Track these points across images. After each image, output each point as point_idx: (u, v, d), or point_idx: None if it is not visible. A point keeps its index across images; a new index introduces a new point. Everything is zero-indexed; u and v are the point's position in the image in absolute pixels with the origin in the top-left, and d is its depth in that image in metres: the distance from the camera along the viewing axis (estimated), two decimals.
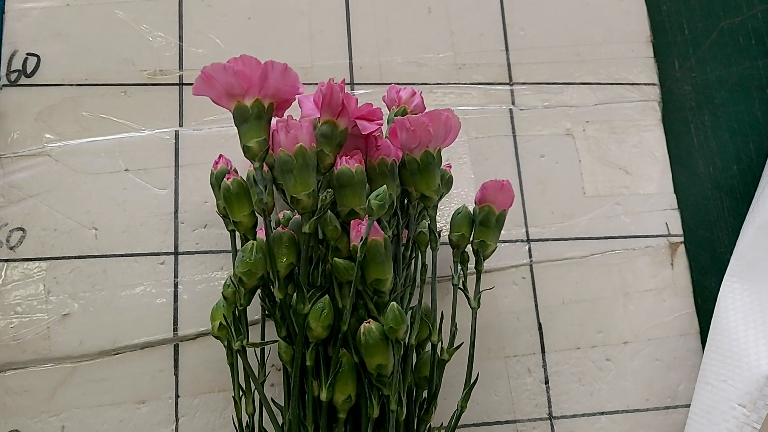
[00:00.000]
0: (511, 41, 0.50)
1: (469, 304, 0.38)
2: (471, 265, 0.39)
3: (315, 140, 0.34)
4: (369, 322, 0.34)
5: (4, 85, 0.44)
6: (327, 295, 0.34)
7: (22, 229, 0.42)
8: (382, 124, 0.36)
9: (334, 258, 0.34)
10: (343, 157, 0.35)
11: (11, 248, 0.41)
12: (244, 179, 0.36)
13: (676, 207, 0.49)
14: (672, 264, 0.48)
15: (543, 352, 0.45)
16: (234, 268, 0.35)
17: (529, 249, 0.46)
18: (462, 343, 0.37)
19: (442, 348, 0.37)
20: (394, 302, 0.34)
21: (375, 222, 0.34)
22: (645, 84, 0.52)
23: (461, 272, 0.38)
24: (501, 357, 0.44)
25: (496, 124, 0.48)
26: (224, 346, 0.37)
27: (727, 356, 0.38)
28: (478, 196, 0.38)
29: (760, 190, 0.46)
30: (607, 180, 0.49)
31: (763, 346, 0.36)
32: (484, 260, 0.38)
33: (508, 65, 0.50)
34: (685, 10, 0.54)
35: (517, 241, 0.46)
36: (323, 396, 0.34)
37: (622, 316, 0.46)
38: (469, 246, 0.39)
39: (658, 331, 0.46)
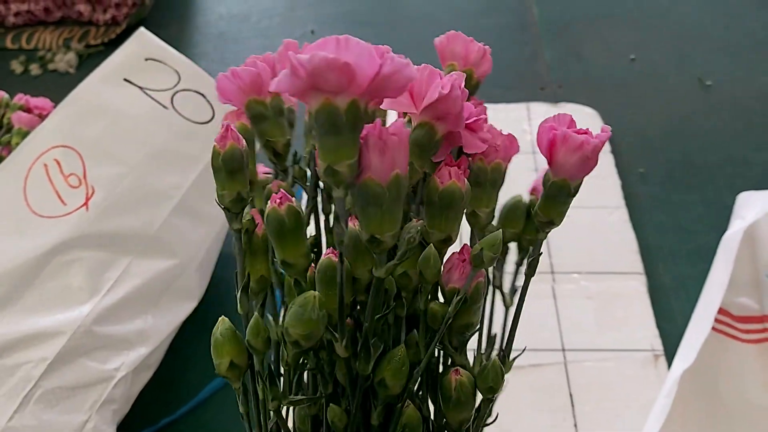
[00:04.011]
0: None
1: (504, 302, 0.33)
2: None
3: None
4: (459, 374, 0.28)
5: None
6: (402, 346, 0.28)
7: None
8: (488, 143, 0.28)
9: (431, 305, 0.28)
10: (448, 168, 0.27)
11: None
12: (298, 206, 0.27)
13: None
14: None
15: None
16: (282, 321, 0.27)
17: None
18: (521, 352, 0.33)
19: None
20: (496, 357, 0.29)
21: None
22: None
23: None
24: None
25: None
26: (235, 389, 0.30)
27: None
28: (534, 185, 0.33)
29: None
30: None
31: None
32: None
33: None
34: None
35: None
36: None
37: None
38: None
39: None
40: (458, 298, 0.27)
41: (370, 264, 0.27)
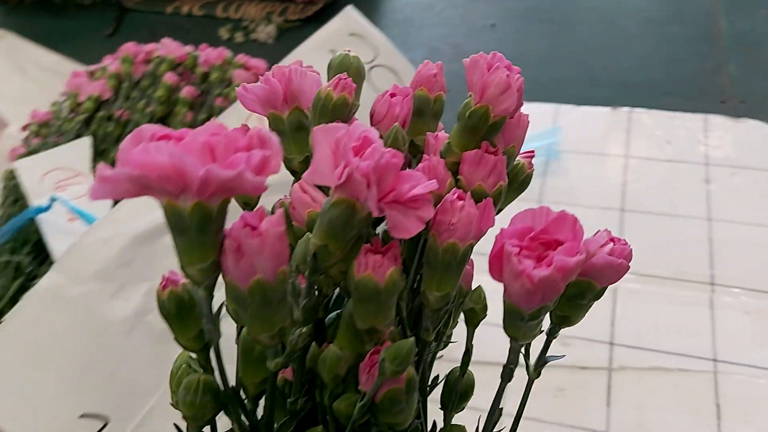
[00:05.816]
0: None
1: (527, 371, 0.28)
2: None
3: (287, 260, 0.22)
4: None
5: None
6: (320, 426, 0.27)
7: None
8: (425, 221, 0.22)
9: (335, 404, 0.26)
10: (366, 256, 0.23)
11: None
12: (186, 291, 0.26)
13: None
14: None
15: None
16: (179, 399, 0.26)
17: None
18: (503, 428, 0.30)
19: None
20: None
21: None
22: None
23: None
24: None
25: None
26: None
27: None
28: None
29: None
30: None
31: None
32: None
33: None
34: None
35: None
36: None
37: None
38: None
39: None
40: (361, 403, 0.25)
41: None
